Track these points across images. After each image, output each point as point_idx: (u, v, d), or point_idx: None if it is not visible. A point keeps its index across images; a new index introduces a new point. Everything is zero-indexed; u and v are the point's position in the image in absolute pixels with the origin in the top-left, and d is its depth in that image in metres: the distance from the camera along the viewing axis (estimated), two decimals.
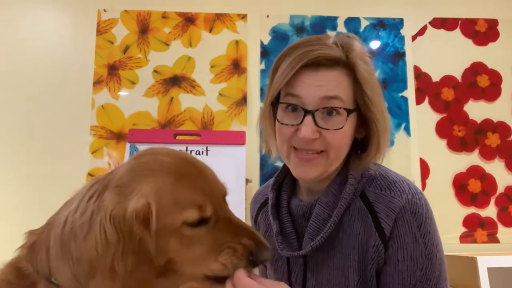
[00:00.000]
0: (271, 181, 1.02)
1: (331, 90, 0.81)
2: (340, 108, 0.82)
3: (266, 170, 2.25)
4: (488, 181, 2.36)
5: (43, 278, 0.64)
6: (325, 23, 2.46)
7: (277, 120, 0.87)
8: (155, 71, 2.35)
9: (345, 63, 0.83)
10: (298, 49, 0.84)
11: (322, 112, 0.82)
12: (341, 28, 2.46)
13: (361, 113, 0.86)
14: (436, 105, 2.43)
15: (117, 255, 0.60)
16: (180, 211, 0.64)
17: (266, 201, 1.03)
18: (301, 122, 0.82)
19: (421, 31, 2.50)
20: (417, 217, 0.80)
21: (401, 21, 2.50)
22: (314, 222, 0.88)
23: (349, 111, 0.82)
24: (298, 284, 0.92)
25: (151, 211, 0.62)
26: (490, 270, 1.79)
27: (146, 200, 0.63)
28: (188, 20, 2.42)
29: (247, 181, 1.91)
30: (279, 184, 1.00)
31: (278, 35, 2.43)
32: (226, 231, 0.67)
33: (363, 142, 0.89)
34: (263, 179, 2.23)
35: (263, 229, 1.04)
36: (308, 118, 0.82)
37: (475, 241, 2.30)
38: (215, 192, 0.69)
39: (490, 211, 2.33)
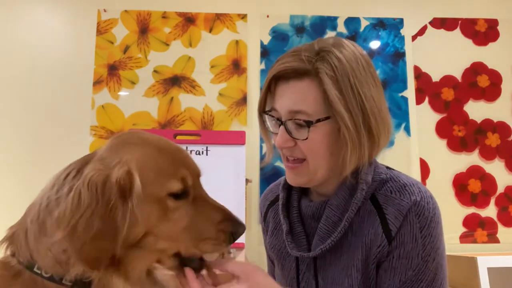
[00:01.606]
0: (282, 179, 1.04)
1: (295, 104, 0.84)
2: (301, 120, 0.84)
3: (266, 170, 2.25)
4: (488, 181, 2.36)
5: (25, 267, 0.64)
6: (325, 23, 2.46)
7: (268, 128, 0.93)
8: (155, 71, 2.35)
9: (312, 73, 0.83)
10: (278, 61, 0.88)
11: (292, 123, 0.86)
12: (341, 28, 2.46)
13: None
14: (436, 105, 2.43)
15: (83, 217, 0.59)
16: (164, 181, 0.66)
17: (275, 199, 1.05)
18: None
19: (421, 31, 2.50)
20: (421, 219, 0.81)
21: (401, 21, 2.50)
22: (324, 224, 0.89)
23: (309, 123, 0.83)
24: (305, 283, 0.93)
25: (133, 179, 0.62)
26: (490, 270, 1.79)
27: (128, 167, 0.63)
28: (188, 20, 2.42)
29: (247, 181, 1.91)
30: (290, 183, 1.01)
31: (278, 35, 2.43)
32: (204, 211, 0.69)
33: None
34: (263, 179, 2.23)
35: (272, 226, 1.05)
36: (282, 128, 0.86)
37: (475, 241, 2.30)
38: (193, 168, 0.71)
39: (490, 211, 2.33)
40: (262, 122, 0.95)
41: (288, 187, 1.01)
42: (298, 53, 0.86)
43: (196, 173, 0.72)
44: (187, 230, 0.67)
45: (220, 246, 0.69)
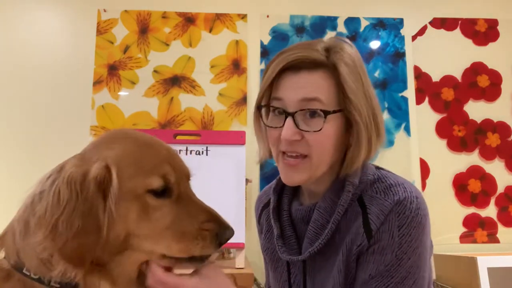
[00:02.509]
0: (274, 182, 1.03)
1: (309, 92, 0.82)
2: (318, 109, 0.82)
3: (266, 170, 2.26)
4: (488, 181, 2.36)
5: (14, 269, 0.62)
6: (325, 23, 2.46)
7: (265, 123, 0.89)
8: (155, 71, 2.35)
9: (327, 65, 0.83)
10: (284, 54, 0.85)
11: (304, 114, 0.83)
12: (341, 28, 2.46)
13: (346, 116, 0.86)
14: (436, 105, 2.43)
15: (64, 214, 0.58)
16: (143, 177, 0.63)
17: (269, 202, 1.03)
18: (283, 124, 0.83)
19: (421, 31, 2.50)
20: (400, 217, 0.80)
21: (401, 21, 2.50)
22: (312, 227, 0.88)
23: (326, 113, 0.82)
24: (297, 285, 0.93)
25: (110, 175, 0.61)
26: (490, 270, 1.79)
27: (106, 162, 0.61)
28: (188, 20, 2.42)
29: (247, 181, 1.90)
30: (280, 187, 1.01)
31: (278, 35, 2.43)
32: (189, 211, 0.66)
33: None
34: (263, 179, 2.23)
35: (265, 229, 1.05)
36: (289, 120, 0.83)
37: (475, 241, 2.30)
38: (179, 167, 0.68)
39: (490, 211, 2.33)
40: (258, 118, 0.92)
41: (279, 191, 1.00)
42: (308, 46, 0.85)
43: (182, 172, 0.69)
44: (169, 230, 0.63)
45: (208, 248, 0.65)
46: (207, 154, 1.50)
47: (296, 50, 0.84)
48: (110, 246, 0.62)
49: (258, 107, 0.90)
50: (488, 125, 2.41)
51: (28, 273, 0.62)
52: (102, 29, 2.38)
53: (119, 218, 0.61)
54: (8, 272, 0.63)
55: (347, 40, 0.89)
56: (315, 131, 0.82)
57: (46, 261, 0.61)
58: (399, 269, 0.79)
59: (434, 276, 2.10)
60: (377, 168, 0.92)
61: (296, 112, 0.83)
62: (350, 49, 0.86)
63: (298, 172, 0.86)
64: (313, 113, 0.82)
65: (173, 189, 0.65)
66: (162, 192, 0.64)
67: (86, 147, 0.68)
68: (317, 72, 0.83)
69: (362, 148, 0.84)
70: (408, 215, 0.80)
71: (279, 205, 0.99)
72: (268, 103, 0.89)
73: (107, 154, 0.63)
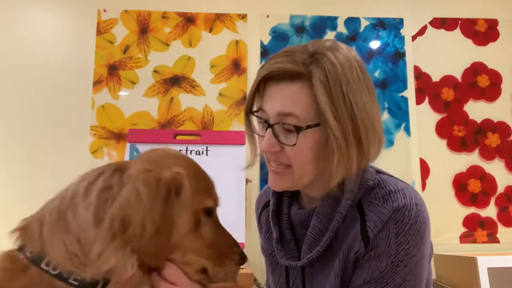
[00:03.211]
0: None
1: (285, 106, 0.80)
2: (291, 125, 0.80)
3: (266, 170, 2.25)
4: (488, 181, 2.36)
5: (30, 262, 0.60)
6: (325, 23, 2.46)
7: (254, 130, 0.91)
8: (155, 71, 2.35)
9: (305, 76, 0.79)
10: (268, 62, 0.84)
11: (280, 127, 0.82)
12: (341, 28, 2.46)
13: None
14: (436, 105, 2.43)
15: (148, 212, 0.59)
16: (204, 195, 0.69)
17: (269, 202, 1.03)
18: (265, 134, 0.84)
19: (421, 31, 2.50)
20: (399, 225, 0.78)
21: (401, 21, 2.50)
22: (311, 233, 0.88)
23: (299, 129, 0.79)
24: None
25: (182, 182, 0.65)
26: (490, 270, 1.79)
27: (182, 175, 0.65)
28: (188, 20, 2.42)
29: (247, 181, 1.91)
30: None
31: (278, 35, 2.43)
32: (223, 233, 0.73)
33: None
34: (263, 179, 2.23)
35: (265, 229, 1.04)
36: (269, 131, 0.83)
37: (475, 241, 2.30)
38: (216, 193, 0.74)
39: (490, 211, 2.33)
40: (249, 123, 0.92)
41: (278, 193, 0.99)
42: (291, 54, 0.81)
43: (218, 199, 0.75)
44: (211, 247, 0.68)
45: (237, 267, 0.72)
46: (207, 154, 1.50)
47: (278, 58, 0.82)
48: (160, 253, 0.64)
49: (247, 114, 0.91)
50: (488, 125, 2.41)
51: (46, 268, 0.59)
52: (102, 29, 2.38)
53: (176, 225, 0.64)
54: (25, 264, 0.60)
55: (340, 44, 0.84)
56: (290, 145, 0.81)
57: (75, 258, 0.59)
58: (395, 276, 0.78)
59: (434, 276, 2.10)
60: (378, 172, 0.89)
61: (274, 124, 0.82)
62: (338, 55, 0.80)
63: (282, 180, 0.86)
64: (286, 128, 0.81)
65: (215, 213, 0.72)
66: (209, 213, 0.70)
67: (139, 160, 0.69)
68: (296, 84, 0.80)
69: (338, 161, 0.78)
70: (406, 223, 0.78)
71: (279, 208, 0.98)
72: (256, 110, 0.88)
73: (175, 164, 0.67)
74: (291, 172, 0.84)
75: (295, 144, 0.80)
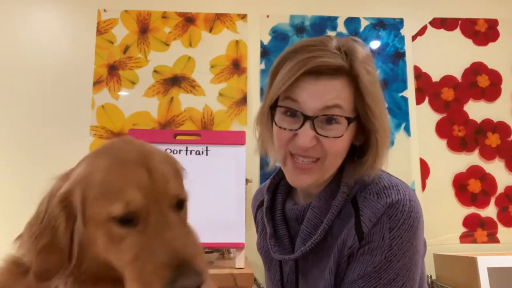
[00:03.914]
0: (269, 180, 1.02)
1: (331, 99, 0.80)
2: (341, 116, 0.81)
3: (266, 170, 2.26)
4: (488, 181, 2.36)
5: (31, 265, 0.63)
6: (325, 23, 2.46)
7: (275, 124, 0.86)
8: (155, 71, 2.36)
9: (348, 73, 0.82)
10: (299, 54, 0.82)
11: (322, 119, 0.81)
12: (341, 28, 2.46)
13: (361, 121, 0.85)
14: (436, 105, 2.43)
15: (38, 230, 0.59)
16: (108, 202, 0.56)
17: (264, 200, 1.03)
18: (300, 127, 0.82)
19: (421, 31, 2.50)
20: (392, 220, 0.79)
21: (401, 21, 2.50)
22: (306, 227, 0.88)
23: (349, 120, 0.82)
24: (290, 285, 0.93)
25: (74, 199, 0.59)
26: (490, 270, 1.79)
27: (72, 185, 0.60)
28: (188, 20, 2.42)
29: (247, 181, 1.90)
30: (274, 186, 1.00)
31: (278, 35, 2.43)
32: (152, 246, 0.55)
33: (361, 148, 0.88)
34: (263, 179, 2.23)
35: (260, 228, 1.05)
36: (307, 124, 0.81)
37: (475, 241, 2.30)
38: (158, 191, 0.58)
39: (490, 211, 2.33)
40: (269, 119, 0.89)
41: (273, 190, 0.99)
42: (326, 47, 0.82)
43: (158, 197, 0.58)
44: (130, 266, 0.55)
45: None
46: (207, 154, 1.50)
47: (315, 53, 0.81)
48: (95, 264, 0.61)
49: (272, 107, 0.87)
50: (488, 125, 2.41)
51: None
52: (102, 29, 2.38)
53: (89, 241, 0.59)
54: (26, 268, 0.62)
55: (359, 40, 0.88)
56: (334, 137, 0.81)
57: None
58: (388, 270, 0.79)
59: (434, 276, 2.10)
60: None
61: (316, 117, 0.81)
62: (365, 54, 0.85)
63: (307, 175, 0.85)
64: (330, 119, 0.81)
65: (140, 217, 0.57)
66: (129, 220, 0.56)
67: (82, 158, 0.67)
68: (337, 79, 0.81)
69: (383, 154, 0.85)
70: (400, 218, 0.79)
71: (273, 204, 0.98)
72: (280, 104, 0.85)
73: (79, 172, 0.61)
74: (319, 166, 0.84)
75: (341, 136, 0.82)
